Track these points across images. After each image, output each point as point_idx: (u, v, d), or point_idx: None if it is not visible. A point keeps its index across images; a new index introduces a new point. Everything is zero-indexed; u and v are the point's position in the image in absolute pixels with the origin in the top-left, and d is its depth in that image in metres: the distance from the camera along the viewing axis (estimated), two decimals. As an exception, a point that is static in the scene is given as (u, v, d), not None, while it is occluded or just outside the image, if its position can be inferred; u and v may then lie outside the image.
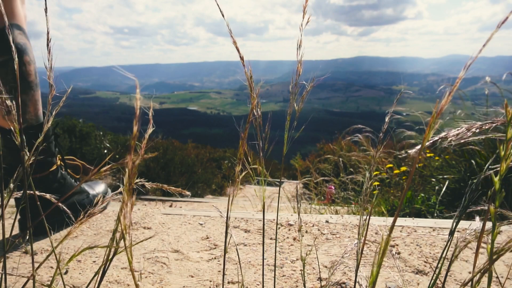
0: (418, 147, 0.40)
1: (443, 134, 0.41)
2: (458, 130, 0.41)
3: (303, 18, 0.50)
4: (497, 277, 0.91)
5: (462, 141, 0.40)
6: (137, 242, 0.99)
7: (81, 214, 0.45)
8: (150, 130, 0.35)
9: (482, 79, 2.22)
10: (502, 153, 0.37)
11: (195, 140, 7.93)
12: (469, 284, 0.43)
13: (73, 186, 1.32)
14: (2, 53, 1.06)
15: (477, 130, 0.41)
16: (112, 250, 0.40)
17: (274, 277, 0.62)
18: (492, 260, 0.39)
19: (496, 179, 0.38)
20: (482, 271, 0.39)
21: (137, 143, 0.31)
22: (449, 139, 0.40)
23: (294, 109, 0.55)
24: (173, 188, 0.47)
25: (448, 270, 0.47)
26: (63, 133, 4.95)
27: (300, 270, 0.99)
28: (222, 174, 5.69)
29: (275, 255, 0.62)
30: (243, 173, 0.53)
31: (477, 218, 0.49)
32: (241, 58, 0.49)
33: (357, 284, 0.60)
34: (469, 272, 0.97)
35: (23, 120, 1.15)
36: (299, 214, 0.56)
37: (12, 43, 0.49)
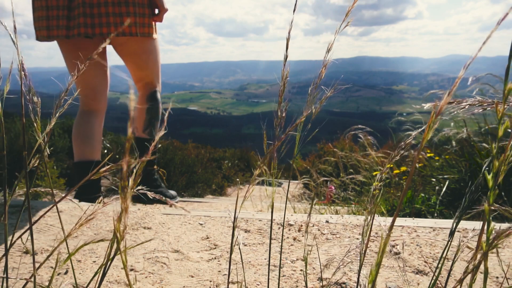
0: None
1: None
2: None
3: (344, 20, 0.50)
4: (497, 277, 0.91)
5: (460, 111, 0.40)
6: (135, 244, 0.99)
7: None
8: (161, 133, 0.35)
9: (482, 79, 2.22)
10: (494, 151, 0.38)
11: (195, 140, 7.91)
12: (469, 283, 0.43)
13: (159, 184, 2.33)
14: (151, 101, 2.14)
15: (475, 107, 0.41)
16: (113, 250, 0.40)
17: (279, 278, 0.62)
18: (486, 256, 0.39)
19: (489, 177, 0.38)
20: (475, 267, 0.39)
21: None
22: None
23: (311, 111, 0.56)
24: (178, 204, 0.49)
25: (450, 271, 0.47)
26: (63, 133, 4.95)
27: (300, 270, 0.99)
28: (222, 174, 5.68)
29: (275, 255, 0.62)
30: (255, 176, 0.53)
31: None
32: (285, 58, 0.51)
33: (357, 284, 0.60)
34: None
35: (151, 134, 2.16)
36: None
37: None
